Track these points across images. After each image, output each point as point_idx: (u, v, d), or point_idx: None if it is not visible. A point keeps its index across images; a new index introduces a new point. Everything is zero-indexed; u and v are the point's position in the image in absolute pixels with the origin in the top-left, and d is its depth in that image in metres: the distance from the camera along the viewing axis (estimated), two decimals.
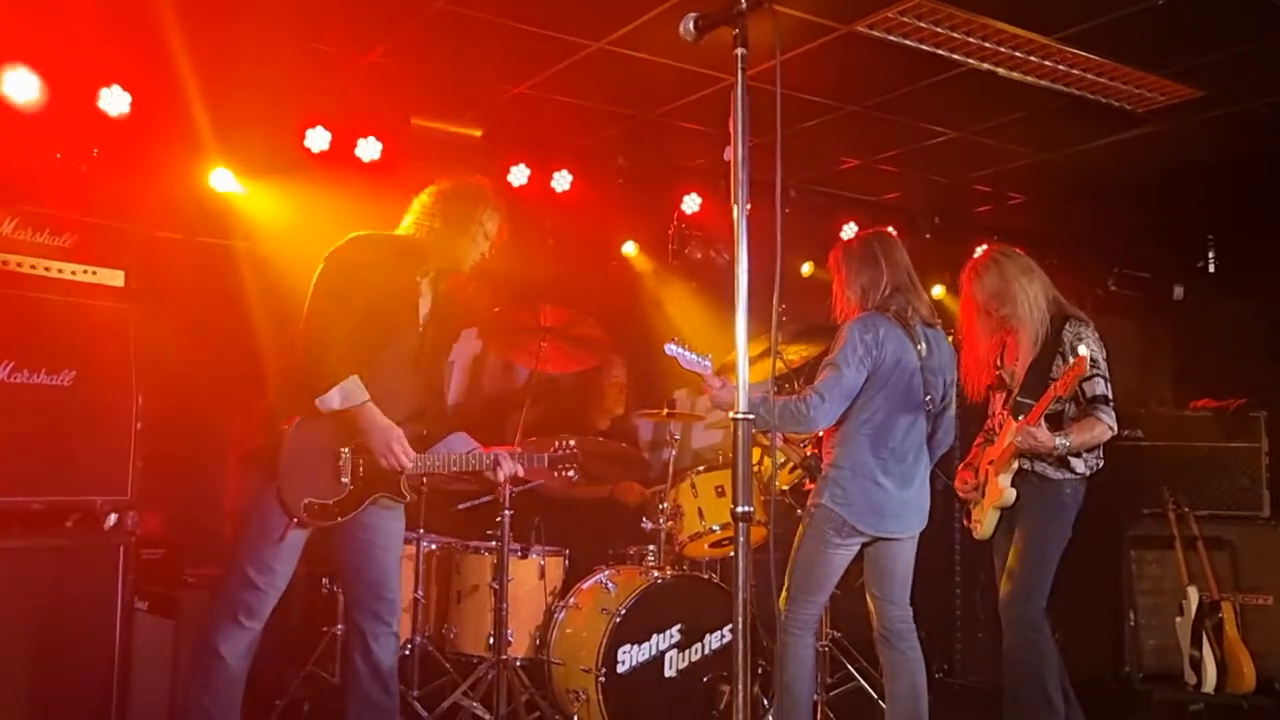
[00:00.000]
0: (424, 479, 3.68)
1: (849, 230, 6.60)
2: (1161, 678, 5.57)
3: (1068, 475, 4.01)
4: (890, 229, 4.33)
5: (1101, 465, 4.08)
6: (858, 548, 3.84)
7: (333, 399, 3.27)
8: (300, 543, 3.40)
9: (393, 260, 3.46)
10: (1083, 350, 3.79)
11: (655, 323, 6.11)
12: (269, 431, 3.35)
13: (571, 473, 3.81)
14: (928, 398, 3.87)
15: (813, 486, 3.95)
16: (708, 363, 3.91)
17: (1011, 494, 4.05)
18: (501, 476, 3.67)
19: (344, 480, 3.38)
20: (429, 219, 3.53)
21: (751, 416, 2.30)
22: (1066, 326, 4.02)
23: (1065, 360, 3.96)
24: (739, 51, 2.28)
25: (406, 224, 3.59)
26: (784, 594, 3.83)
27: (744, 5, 2.27)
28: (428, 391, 3.61)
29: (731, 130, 2.28)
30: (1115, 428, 3.97)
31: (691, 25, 2.39)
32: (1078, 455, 3.99)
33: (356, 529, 3.43)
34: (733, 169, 2.26)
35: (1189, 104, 5.03)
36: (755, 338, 4.11)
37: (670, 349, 3.87)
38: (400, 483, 3.48)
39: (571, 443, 3.82)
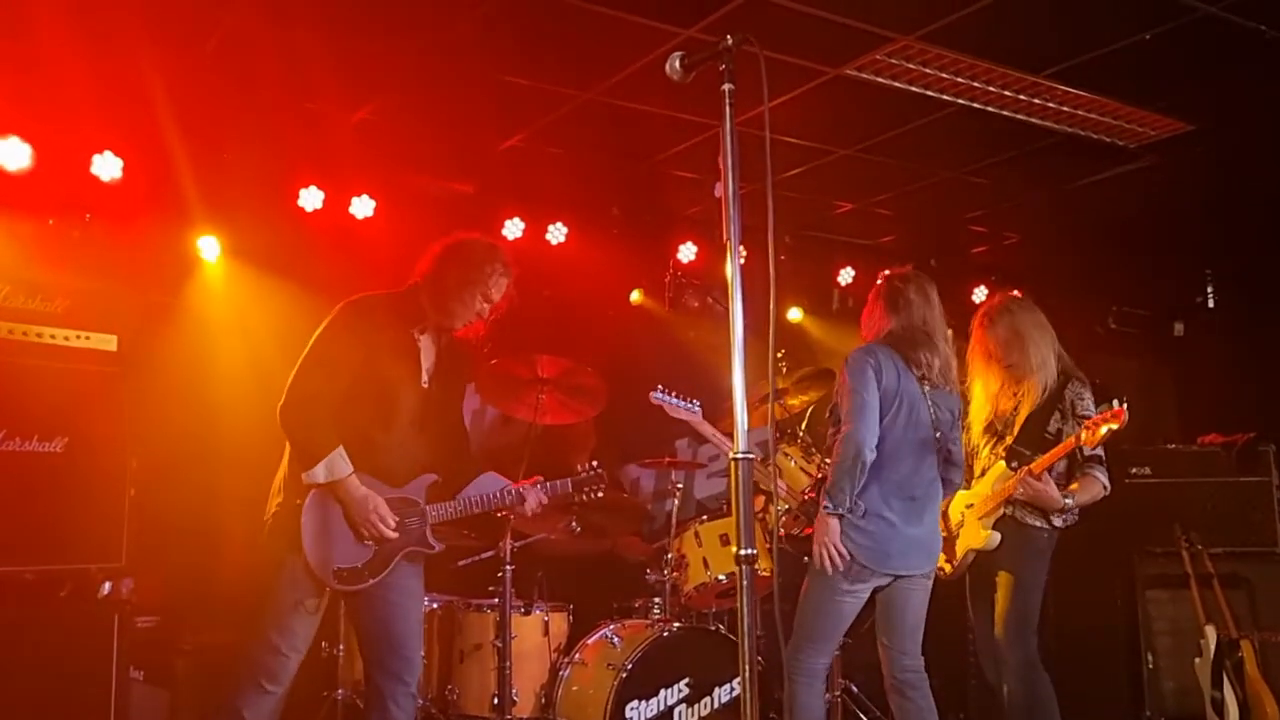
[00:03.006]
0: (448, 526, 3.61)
1: (846, 275, 6.61)
2: None
3: (1045, 525, 4.08)
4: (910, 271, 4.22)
5: (1076, 521, 4.14)
6: (868, 593, 3.73)
7: (318, 474, 3.23)
8: (323, 607, 3.37)
9: (384, 321, 3.41)
10: (1115, 404, 3.86)
11: (655, 371, 6.06)
12: (286, 501, 3.31)
13: (599, 493, 3.77)
14: (938, 434, 3.76)
15: (811, 531, 3.87)
16: (696, 407, 3.86)
17: (996, 537, 4.06)
18: (529, 510, 3.64)
19: (368, 542, 3.34)
20: (430, 274, 3.48)
21: (751, 456, 2.25)
22: (1069, 386, 4.10)
23: (1064, 417, 4.05)
24: (726, 87, 2.28)
25: (414, 278, 3.53)
26: (790, 641, 3.71)
27: (729, 42, 2.27)
28: (440, 444, 3.54)
29: (721, 166, 2.26)
30: (1109, 487, 4.08)
31: (678, 64, 2.39)
32: (1061, 513, 4.06)
33: (378, 589, 3.37)
34: (723, 205, 2.24)
35: (1179, 138, 5.05)
36: (755, 383, 4.09)
37: (656, 397, 3.81)
38: (426, 534, 3.44)
39: (595, 463, 3.79)
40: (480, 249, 3.53)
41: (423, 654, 4.56)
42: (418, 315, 3.47)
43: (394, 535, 3.33)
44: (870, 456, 3.60)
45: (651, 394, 3.86)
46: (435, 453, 3.52)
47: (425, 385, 3.48)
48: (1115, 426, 3.84)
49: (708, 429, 3.99)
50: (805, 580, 3.77)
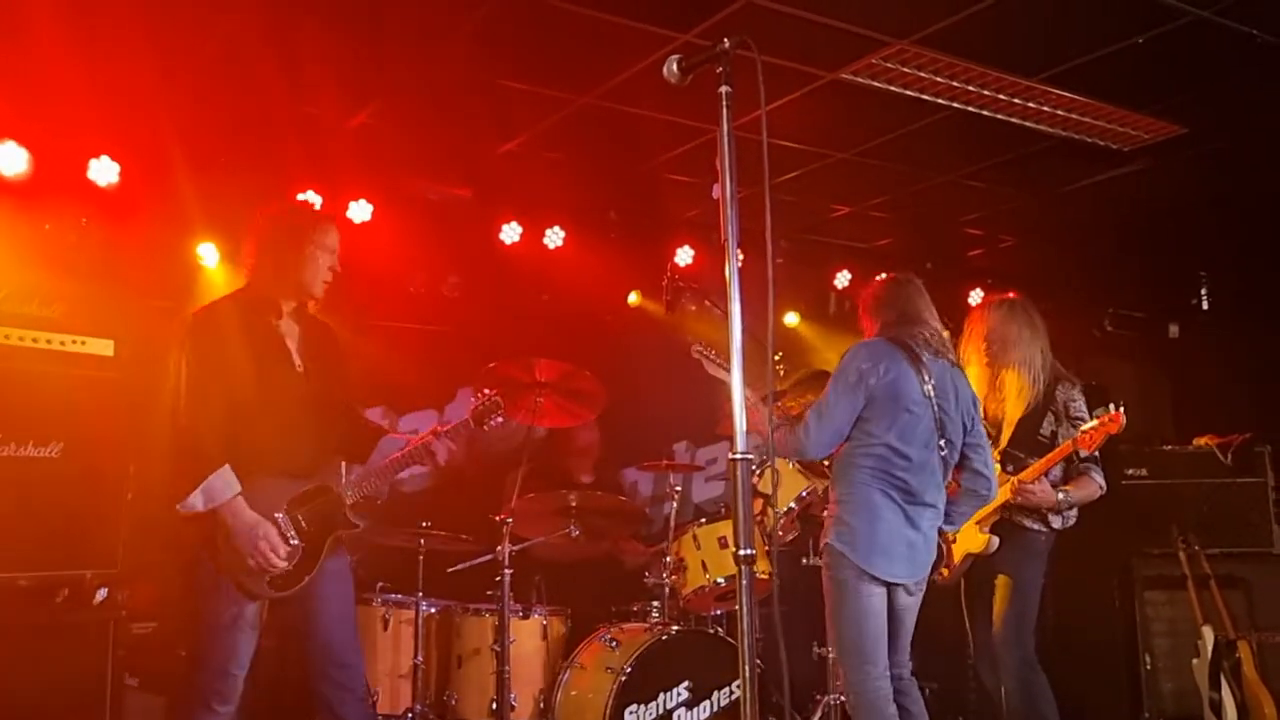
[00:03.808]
0: (372, 499, 3.56)
1: (842, 278, 6.62)
2: None
3: (1043, 528, 4.11)
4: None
5: (1074, 523, 4.15)
6: (885, 592, 3.56)
7: (195, 502, 3.15)
8: (264, 617, 3.31)
9: (241, 321, 3.35)
10: (1112, 408, 3.91)
11: (653, 375, 6.07)
12: (198, 526, 3.22)
13: (499, 419, 3.69)
14: (942, 439, 3.63)
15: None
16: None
17: (995, 542, 4.07)
18: (440, 459, 3.56)
19: (294, 541, 3.29)
20: (261, 260, 3.43)
21: (750, 457, 2.25)
22: (1059, 388, 4.12)
23: (1057, 419, 4.07)
24: (723, 89, 2.28)
25: (245, 273, 3.48)
26: (841, 668, 3.56)
27: (726, 44, 2.27)
28: (333, 423, 3.50)
29: (719, 169, 2.27)
30: (1105, 487, 4.10)
31: (675, 66, 2.39)
32: (1057, 512, 4.08)
33: (306, 598, 3.32)
34: (721, 207, 2.24)
35: (1172, 141, 5.06)
36: (753, 385, 4.06)
37: (696, 351, 3.76)
38: (345, 513, 3.40)
39: (488, 390, 3.70)
40: (292, 211, 3.54)
41: (420, 659, 4.58)
42: (269, 304, 3.41)
43: (283, 565, 3.23)
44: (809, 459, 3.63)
45: (692, 348, 3.82)
46: (330, 432, 3.47)
47: (300, 369, 3.42)
48: (1113, 431, 3.87)
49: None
50: (825, 601, 3.61)
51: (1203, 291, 7.04)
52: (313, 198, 5.14)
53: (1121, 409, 3.87)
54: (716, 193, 2.27)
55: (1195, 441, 5.97)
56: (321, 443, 3.45)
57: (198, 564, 3.23)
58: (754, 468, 3.82)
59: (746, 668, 2.16)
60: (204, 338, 3.30)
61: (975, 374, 4.22)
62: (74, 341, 4.21)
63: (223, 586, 3.21)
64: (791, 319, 6.77)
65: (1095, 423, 3.91)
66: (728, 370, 3.83)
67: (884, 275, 3.99)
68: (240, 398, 3.25)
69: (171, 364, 3.32)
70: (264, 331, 3.38)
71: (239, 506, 3.19)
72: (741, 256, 2.32)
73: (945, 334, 3.80)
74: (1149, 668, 5.61)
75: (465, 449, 5.87)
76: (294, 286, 3.42)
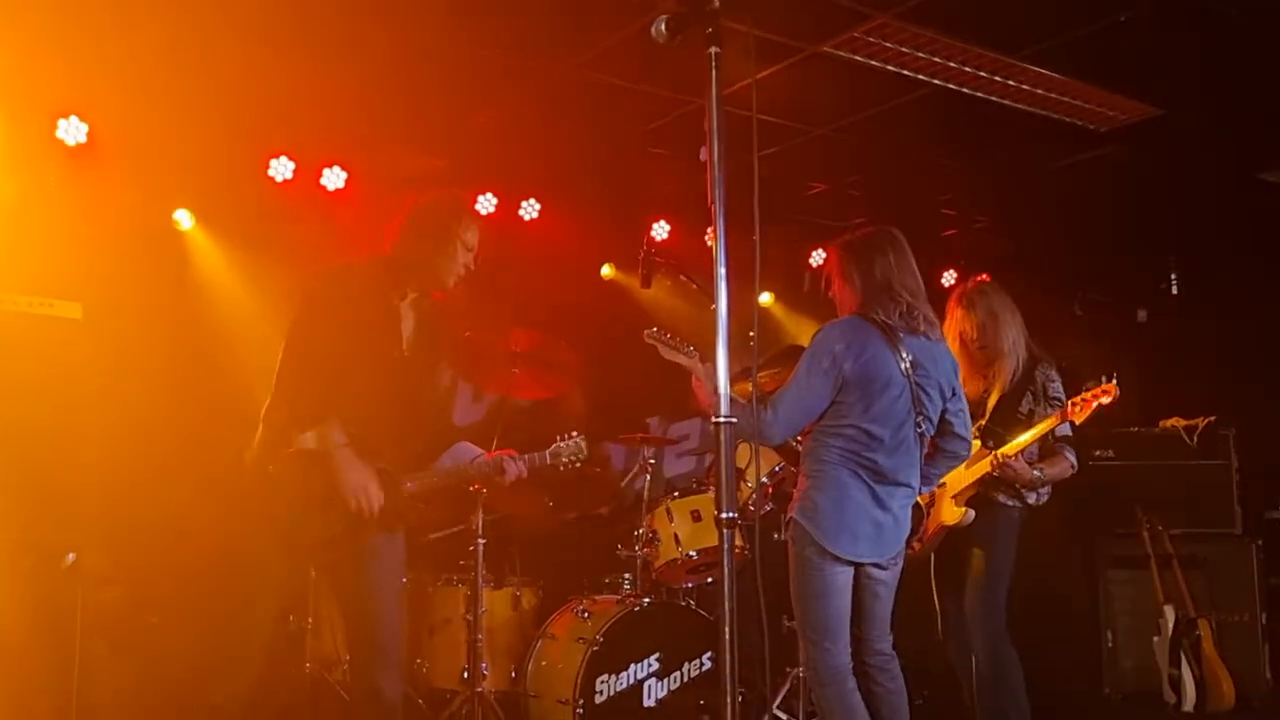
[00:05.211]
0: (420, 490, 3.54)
1: (817, 257, 6.63)
2: (1141, 698, 5.54)
3: (1017, 503, 4.14)
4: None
5: (1047, 499, 4.19)
6: (851, 571, 3.49)
7: (308, 440, 3.17)
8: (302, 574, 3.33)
9: (365, 288, 3.35)
10: (1104, 379, 3.96)
11: (626, 348, 6.05)
12: (260, 479, 3.22)
13: (578, 463, 3.68)
14: (919, 416, 3.51)
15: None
16: (692, 349, 3.63)
17: (971, 514, 4.07)
18: (507, 480, 3.56)
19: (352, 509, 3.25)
20: (406, 238, 3.43)
21: (734, 420, 2.25)
22: (1038, 368, 4.17)
23: (1035, 399, 4.11)
24: (712, 50, 2.25)
25: (387, 246, 3.48)
26: (801, 647, 3.50)
27: (716, 3, 2.24)
28: (416, 413, 3.47)
29: (707, 130, 2.25)
30: (1076, 465, 4.15)
31: (664, 26, 2.35)
32: (1034, 488, 4.12)
33: (351, 571, 3.29)
34: (708, 168, 2.23)
35: (1149, 123, 5.10)
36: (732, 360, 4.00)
37: (650, 336, 3.65)
38: (400, 503, 3.35)
39: (574, 433, 3.69)
40: (446, 201, 3.50)
41: None
42: (398, 283, 3.41)
43: (376, 511, 3.22)
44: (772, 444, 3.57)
45: (646, 333, 3.67)
46: (410, 421, 3.44)
47: (406, 354, 3.41)
48: (1105, 402, 3.93)
49: (702, 371, 3.64)
50: (790, 576, 3.52)
51: (1172, 276, 7.12)
52: (286, 164, 5.08)
53: (1114, 380, 3.92)
54: (704, 155, 2.25)
55: (1161, 424, 6.05)
56: (401, 428, 3.39)
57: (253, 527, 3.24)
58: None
59: (728, 630, 2.17)
60: (324, 293, 3.30)
61: (958, 358, 4.20)
62: (41, 304, 4.15)
63: (276, 551, 3.24)
64: (765, 298, 6.78)
65: (1087, 393, 3.94)
66: (683, 353, 3.84)
67: (857, 232, 3.72)
68: (336, 363, 3.22)
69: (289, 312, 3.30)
70: (385, 309, 3.37)
71: (348, 455, 3.19)
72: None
73: (923, 309, 3.58)
74: (1110, 644, 5.71)
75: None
76: (427, 274, 3.42)
